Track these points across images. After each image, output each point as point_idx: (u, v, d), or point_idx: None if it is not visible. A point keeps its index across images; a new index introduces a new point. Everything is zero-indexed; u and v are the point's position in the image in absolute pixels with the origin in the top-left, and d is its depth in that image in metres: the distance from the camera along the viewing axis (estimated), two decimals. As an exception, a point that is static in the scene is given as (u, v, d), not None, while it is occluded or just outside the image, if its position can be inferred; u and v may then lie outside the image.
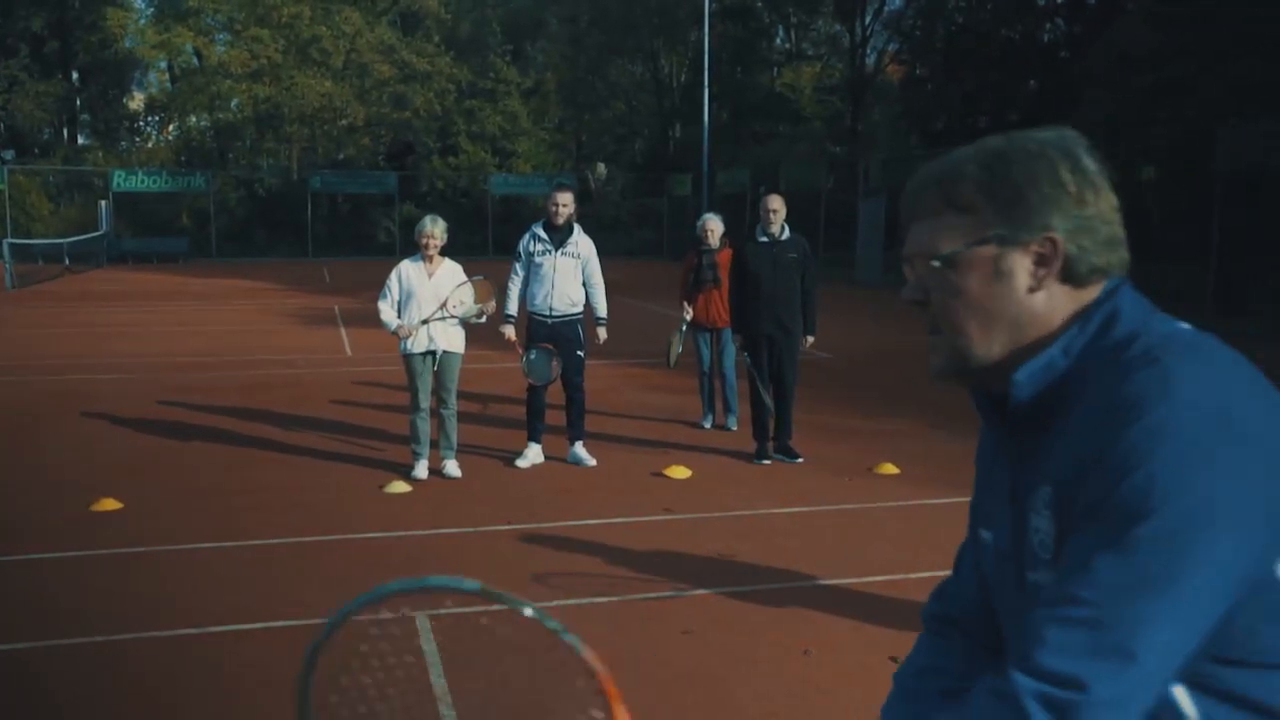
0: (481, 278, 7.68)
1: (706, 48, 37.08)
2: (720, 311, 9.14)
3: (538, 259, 7.88)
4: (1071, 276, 1.30)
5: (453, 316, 7.51)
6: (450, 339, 7.57)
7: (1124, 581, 1.13)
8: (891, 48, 46.55)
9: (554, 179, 45.66)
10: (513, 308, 8.06)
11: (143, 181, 40.35)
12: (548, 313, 7.88)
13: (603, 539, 6.32)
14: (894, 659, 4.56)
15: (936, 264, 1.32)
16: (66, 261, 31.09)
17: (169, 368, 12.95)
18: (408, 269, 7.54)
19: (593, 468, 8.00)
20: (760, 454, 8.19)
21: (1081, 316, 1.30)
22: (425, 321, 7.45)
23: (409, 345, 7.52)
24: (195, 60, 44.54)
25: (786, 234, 8.12)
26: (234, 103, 43.56)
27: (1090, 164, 1.30)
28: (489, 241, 39.60)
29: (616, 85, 53.71)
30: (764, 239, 8.10)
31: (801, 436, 8.40)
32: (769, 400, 8.14)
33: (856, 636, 4.86)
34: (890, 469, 7.84)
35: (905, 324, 18.83)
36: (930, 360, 1.40)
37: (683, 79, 50.53)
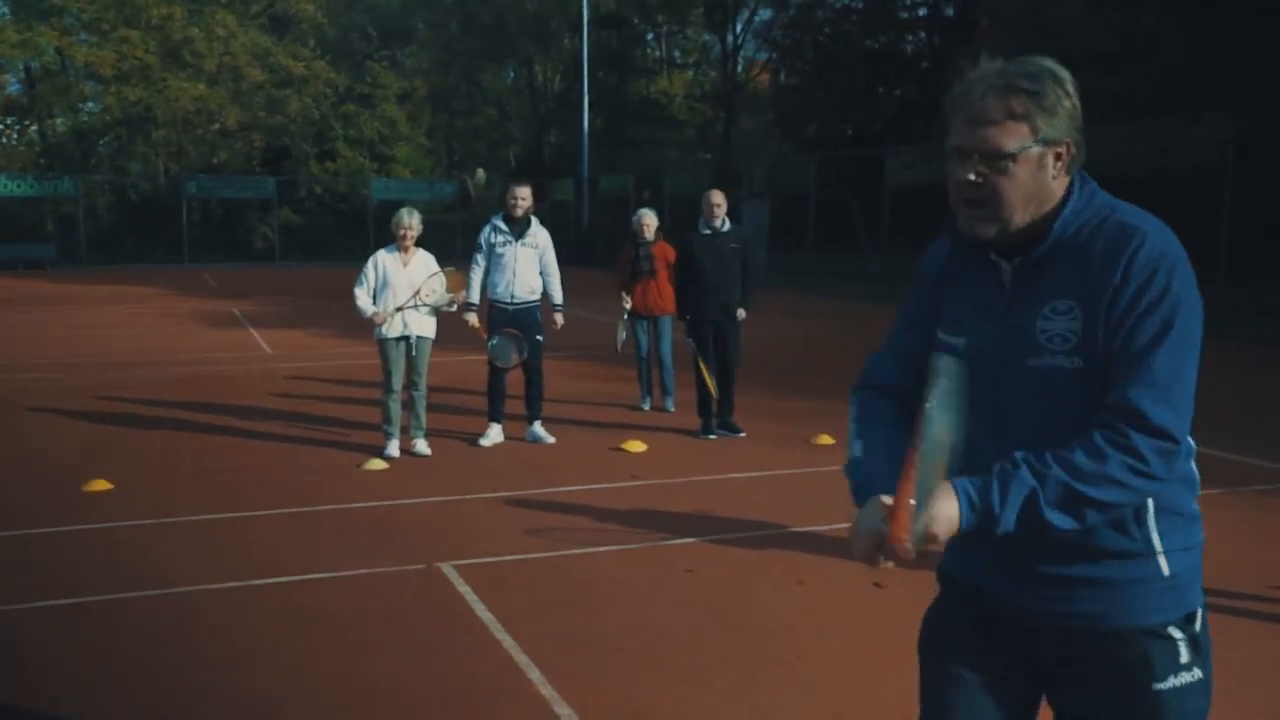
0: (453, 268, 8.18)
1: (586, 55, 37.75)
2: (657, 300, 9.78)
3: (499, 250, 8.41)
4: (1070, 168, 1.96)
5: (425, 304, 7.98)
6: (423, 325, 8.05)
7: (1181, 366, 1.86)
8: (761, 57, 48.04)
9: (435, 184, 45.73)
10: (475, 296, 8.54)
11: (4, 186, 39.01)
12: (509, 300, 8.41)
13: (583, 501, 6.91)
14: (877, 585, 5.27)
15: (1003, 160, 1.90)
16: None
17: (95, 367, 12.99)
18: (384, 259, 8.00)
19: (553, 445, 8.57)
20: (705, 429, 8.86)
21: (1075, 192, 1.96)
22: (400, 309, 7.91)
23: (384, 331, 7.96)
24: (59, 61, 43.21)
25: (727, 226, 8.82)
26: (91, 105, 42.47)
27: (1075, 88, 1.94)
28: (370, 246, 39.42)
29: (489, 91, 54.06)
30: (707, 231, 8.78)
31: (740, 414, 9.10)
32: (711, 383, 8.81)
33: (839, 570, 5.55)
34: (827, 439, 8.60)
35: (788, 318, 19.77)
36: (971, 226, 1.97)
37: (557, 85, 51.15)
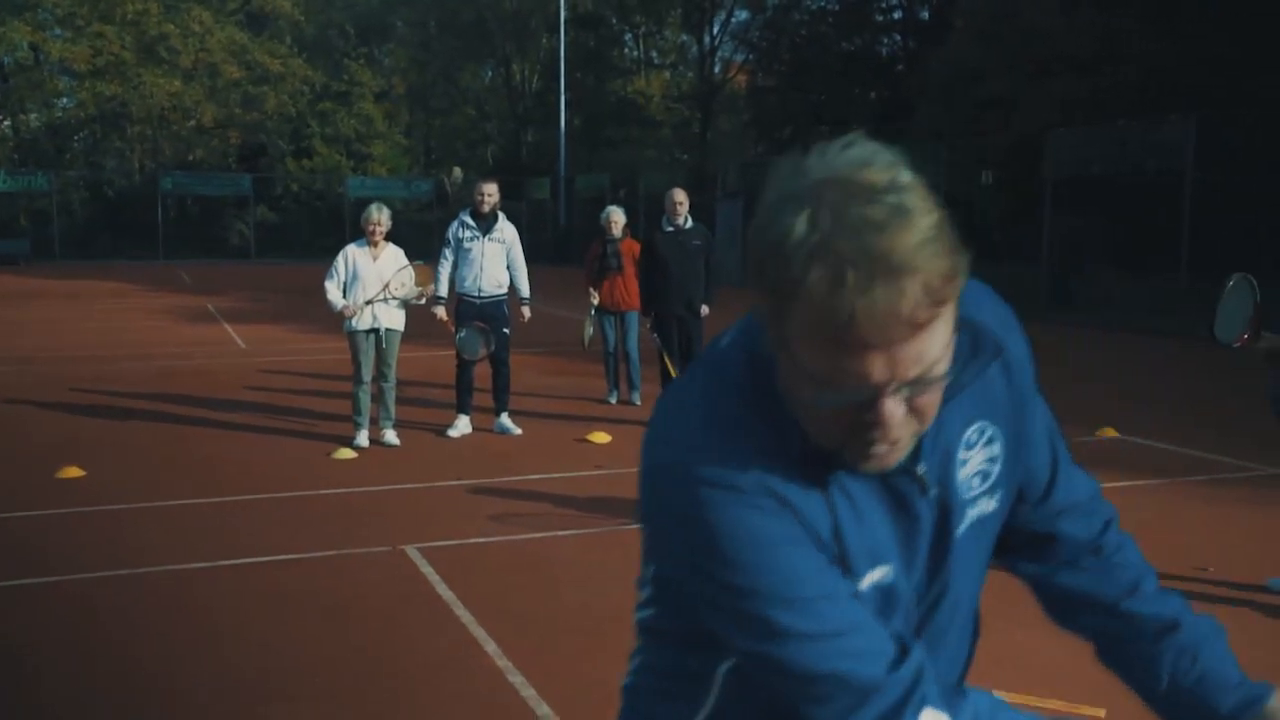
0: (422, 262, 8.37)
1: (563, 55, 37.97)
2: (624, 296, 9.99)
3: (466, 244, 8.59)
4: None
5: (395, 297, 8.17)
6: (392, 318, 8.24)
7: None
8: (738, 58, 48.34)
9: (412, 183, 45.79)
10: (443, 290, 8.72)
11: (-21, 181, 38.93)
12: (476, 294, 8.60)
13: (547, 489, 7.11)
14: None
15: (936, 373, 1.14)
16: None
17: (69, 361, 13.11)
18: (354, 253, 8.20)
19: (519, 436, 8.76)
20: (669, 422, 9.06)
21: None
22: (369, 302, 8.10)
23: (354, 323, 8.15)
24: (32, 56, 43.09)
25: (690, 223, 9.04)
26: (66, 100, 42.40)
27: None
28: (345, 244, 39.46)
29: (467, 90, 54.20)
30: (670, 228, 9.00)
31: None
32: (676, 375, 9.03)
33: (789, 551, 5.77)
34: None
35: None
36: (883, 463, 1.20)
37: (534, 85, 51.34)
